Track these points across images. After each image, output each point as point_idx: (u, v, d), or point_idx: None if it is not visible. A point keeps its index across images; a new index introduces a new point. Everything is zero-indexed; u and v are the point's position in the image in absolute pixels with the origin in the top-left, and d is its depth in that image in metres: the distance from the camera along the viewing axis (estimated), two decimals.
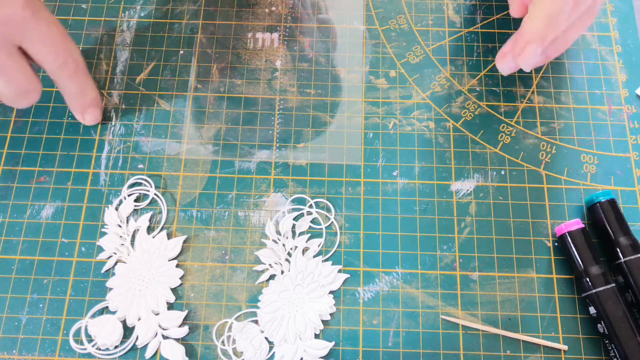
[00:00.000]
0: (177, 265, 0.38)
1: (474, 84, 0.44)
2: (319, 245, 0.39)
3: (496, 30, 0.46)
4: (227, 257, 0.39)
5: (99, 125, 0.42)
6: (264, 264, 0.38)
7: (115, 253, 0.38)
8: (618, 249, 0.37)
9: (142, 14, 0.46)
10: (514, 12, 0.41)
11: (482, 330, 0.37)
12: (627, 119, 0.43)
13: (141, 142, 0.42)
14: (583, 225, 0.38)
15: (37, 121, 0.43)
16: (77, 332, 0.37)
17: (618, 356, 0.35)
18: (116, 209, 0.40)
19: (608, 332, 0.35)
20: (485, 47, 0.45)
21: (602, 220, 0.38)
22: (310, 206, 0.40)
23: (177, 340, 0.36)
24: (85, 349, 0.36)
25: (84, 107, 0.41)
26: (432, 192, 0.40)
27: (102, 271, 0.38)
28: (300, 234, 0.39)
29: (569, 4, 0.35)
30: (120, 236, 0.39)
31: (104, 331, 0.36)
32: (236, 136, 0.42)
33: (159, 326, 0.37)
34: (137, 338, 0.36)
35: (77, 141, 0.42)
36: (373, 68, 0.45)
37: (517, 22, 0.40)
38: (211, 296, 0.38)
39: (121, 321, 0.37)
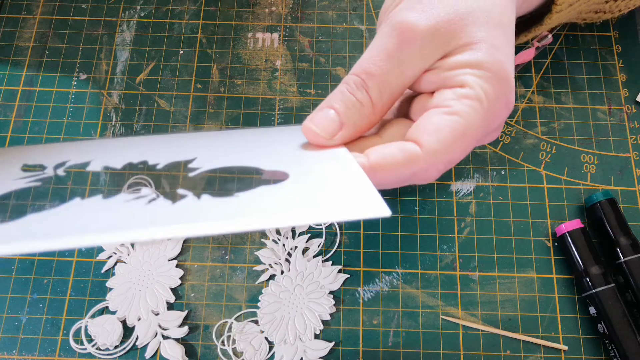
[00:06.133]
0: (177, 265, 0.38)
1: None
2: (319, 246, 0.39)
3: None
4: (227, 257, 0.39)
5: (99, 125, 0.42)
6: (264, 264, 0.38)
7: (115, 253, 0.38)
8: (618, 249, 0.37)
9: (142, 14, 0.46)
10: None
11: (482, 330, 0.37)
12: (627, 119, 0.43)
13: None
14: (583, 225, 0.38)
15: (37, 121, 0.42)
16: (77, 332, 0.37)
17: (618, 356, 0.35)
18: None
19: (608, 332, 0.35)
20: None
21: (602, 220, 0.38)
22: None
23: (177, 340, 0.36)
24: (85, 349, 0.36)
25: None
26: (432, 192, 0.40)
27: (102, 271, 0.38)
28: (300, 234, 0.39)
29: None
30: None
31: (104, 331, 0.36)
32: None
33: (159, 326, 0.37)
34: (137, 338, 0.36)
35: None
36: None
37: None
38: (211, 296, 0.38)
39: (121, 321, 0.37)
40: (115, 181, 0.28)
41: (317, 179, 0.24)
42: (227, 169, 0.26)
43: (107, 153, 0.30)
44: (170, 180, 0.26)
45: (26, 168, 0.28)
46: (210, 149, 0.29)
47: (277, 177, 0.24)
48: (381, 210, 0.21)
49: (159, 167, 0.28)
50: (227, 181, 0.25)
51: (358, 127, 0.27)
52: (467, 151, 0.26)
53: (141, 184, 0.42)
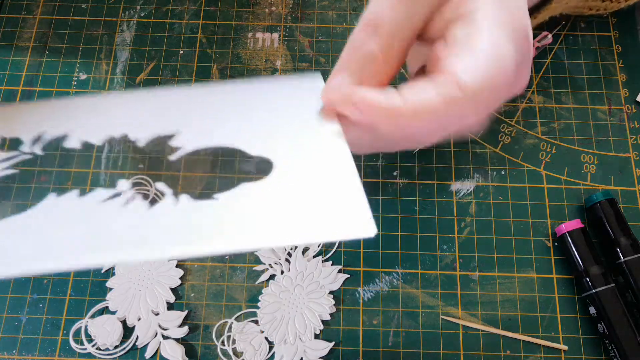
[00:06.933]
0: (177, 265, 0.38)
1: None
2: (318, 245, 0.39)
3: None
4: (227, 257, 0.39)
5: None
6: (264, 264, 0.38)
7: None
8: (618, 249, 0.37)
9: (142, 14, 0.46)
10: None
11: (482, 330, 0.37)
12: (627, 119, 0.43)
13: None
14: (583, 225, 0.38)
15: None
16: (77, 332, 0.37)
17: (618, 356, 0.35)
18: None
19: (608, 332, 0.35)
20: None
21: (602, 220, 0.38)
22: None
23: (177, 340, 0.36)
24: (85, 349, 0.36)
25: None
26: (432, 192, 0.40)
27: (102, 271, 0.38)
28: None
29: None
30: None
31: (104, 331, 0.36)
32: None
33: (159, 326, 0.37)
34: (137, 338, 0.36)
35: None
36: None
37: None
38: (211, 296, 0.38)
39: (121, 321, 0.37)
40: (113, 182, 0.28)
41: (302, 179, 0.23)
42: (210, 150, 0.25)
43: (84, 122, 0.28)
44: (152, 164, 0.25)
45: (1, 143, 0.27)
46: (197, 119, 0.27)
47: (260, 167, 0.23)
48: (368, 230, 0.20)
49: (140, 143, 0.27)
50: (207, 175, 0.24)
51: (372, 82, 0.26)
52: (507, 88, 0.24)
53: (141, 184, 0.42)
